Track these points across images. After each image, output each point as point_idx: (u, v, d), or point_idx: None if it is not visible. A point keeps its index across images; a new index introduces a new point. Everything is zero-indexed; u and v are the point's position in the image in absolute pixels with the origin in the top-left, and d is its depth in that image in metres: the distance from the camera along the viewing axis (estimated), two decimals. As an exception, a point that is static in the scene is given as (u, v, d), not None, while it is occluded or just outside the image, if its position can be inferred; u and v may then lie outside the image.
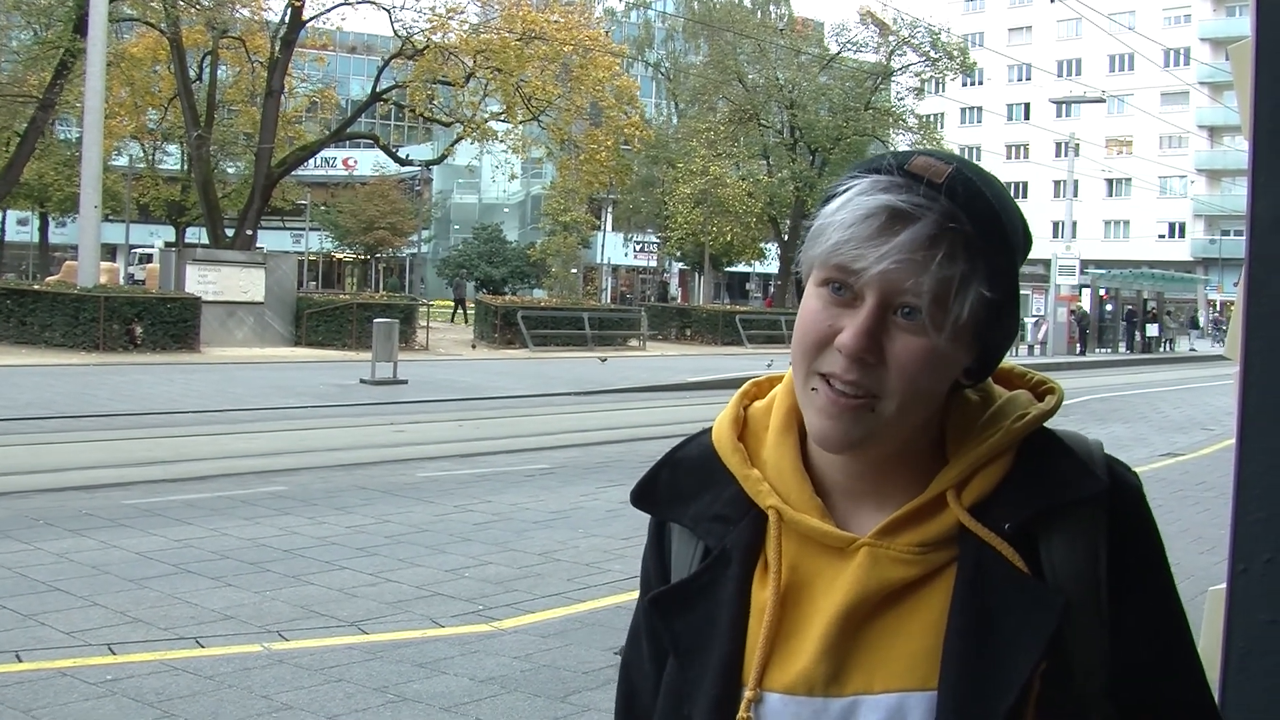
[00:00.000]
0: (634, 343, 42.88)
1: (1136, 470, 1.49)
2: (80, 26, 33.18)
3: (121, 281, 45.68)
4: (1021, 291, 1.53)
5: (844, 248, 1.35)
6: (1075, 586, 1.39)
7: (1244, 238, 1.05)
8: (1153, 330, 57.81)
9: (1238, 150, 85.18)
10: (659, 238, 68.25)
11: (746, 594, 1.48)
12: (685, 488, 1.57)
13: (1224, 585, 1.08)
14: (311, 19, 41.94)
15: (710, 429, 1.60)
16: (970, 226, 1.35)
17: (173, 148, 57.61)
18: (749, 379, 1.65)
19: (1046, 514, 1.40)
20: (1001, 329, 1.42)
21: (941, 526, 1.41)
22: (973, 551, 1.39)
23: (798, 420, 1.50)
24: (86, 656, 7.19)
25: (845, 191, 1.39)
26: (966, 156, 1.54)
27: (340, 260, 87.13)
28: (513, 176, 49.86)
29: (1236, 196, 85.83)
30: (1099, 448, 1.48)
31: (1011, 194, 1.44)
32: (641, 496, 1.60)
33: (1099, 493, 1.41)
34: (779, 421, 1.54)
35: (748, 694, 1.42)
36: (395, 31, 42.02)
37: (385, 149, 49.74)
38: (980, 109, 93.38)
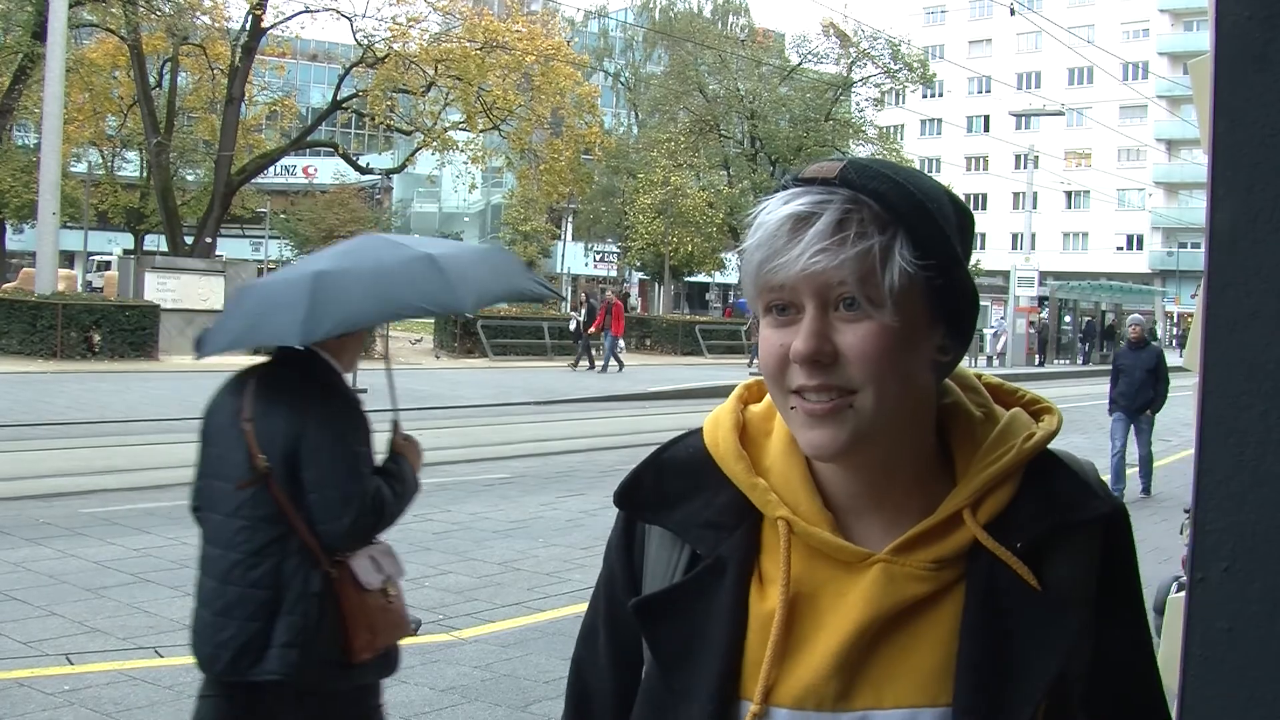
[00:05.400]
0: (594, 352, 42.77)
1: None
2: (39, 32, 33.01)
3: (80, 289, 45.35)
4: (981, 302, 1.53)
5: (765, 266, 1.38)
6: (1073, 601, 1.41)
7: (1203, 250, 1.07)
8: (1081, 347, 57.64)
9: (1195, 164, 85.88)
10: (619, 248, 68.25)
11: (744, 605, 1.46)
12: (672, 491, 1.55)
13: (1183, 594, 1.09)
14: (272, 26, 41.81)
15: (698, 431, 1.59)
16: (874, 203, 1.36)
17: (132, 154, 57.27)
18: (708, 389, 1.65)
19: (1054, 533, 1.43)
20: (956, 296, 1.42)
21: (956, 544, 1.42)
22: (984, 569, 1.41)
23: None
24: (44, 667, 7.15)
25: (754, 219, 1.42)
26: (925, 168, 1.55)
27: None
28: (473, 187, 49.84)
29: (1194, 209, 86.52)
30: (1093, 469, 1.51)
31: (965, 200, 1.45)
32: (624, 498, 1.58)
33: (1104, 514, 1.45)
34: (786, 431, 1.51)
35: (754, 708, 1.41)
36: (356, 40, 41.96)
37: (345, 157, 49.52)
38: (940, 121, 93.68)
